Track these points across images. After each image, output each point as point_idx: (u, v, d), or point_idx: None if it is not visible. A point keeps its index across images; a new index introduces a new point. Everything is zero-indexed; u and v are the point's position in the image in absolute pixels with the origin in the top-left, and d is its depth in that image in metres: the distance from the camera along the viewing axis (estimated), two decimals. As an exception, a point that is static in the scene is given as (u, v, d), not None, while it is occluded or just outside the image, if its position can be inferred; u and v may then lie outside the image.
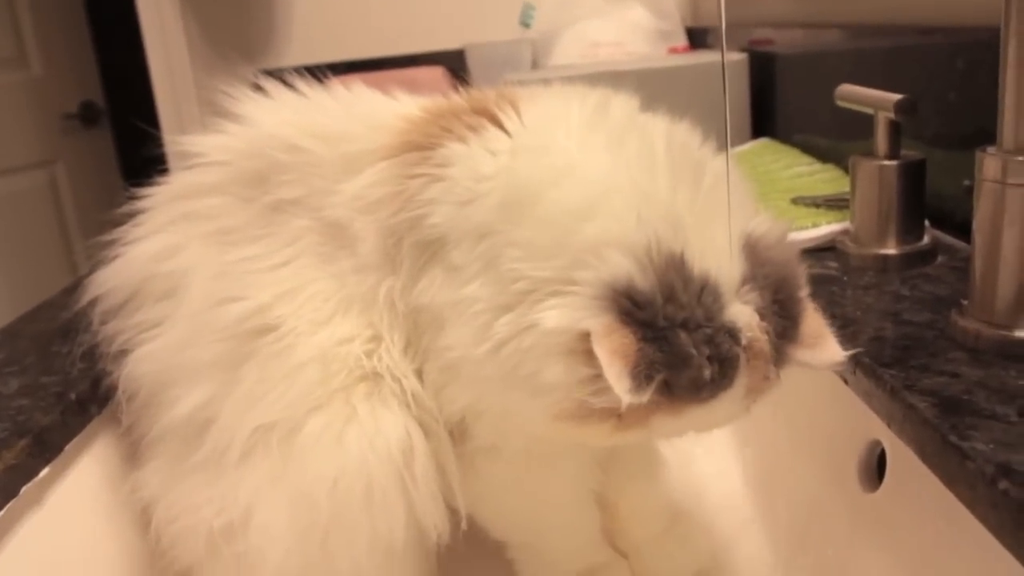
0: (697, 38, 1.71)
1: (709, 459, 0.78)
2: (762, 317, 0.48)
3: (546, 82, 0.61)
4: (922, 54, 0.88)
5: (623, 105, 0.57)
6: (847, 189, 0.82)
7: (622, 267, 0.46)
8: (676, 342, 0.45)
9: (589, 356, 0.45)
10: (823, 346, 0.51)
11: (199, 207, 0.62)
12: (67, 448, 0.61)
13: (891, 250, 0.78)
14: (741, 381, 0.47)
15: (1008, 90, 0.55)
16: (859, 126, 0.81)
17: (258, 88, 0.65)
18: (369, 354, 0.57)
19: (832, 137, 1.11)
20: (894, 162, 0.78)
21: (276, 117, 0.63)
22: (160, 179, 0.66)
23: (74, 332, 0.66)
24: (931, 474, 0.49)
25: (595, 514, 0.65)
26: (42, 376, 0.67)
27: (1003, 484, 0.42)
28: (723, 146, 0.54)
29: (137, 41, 1.91)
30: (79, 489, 0.61)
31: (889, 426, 0.54)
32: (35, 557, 0.56)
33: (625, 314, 0.45)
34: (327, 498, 0.54)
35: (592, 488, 0.65)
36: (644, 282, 0.45)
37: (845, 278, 0.75)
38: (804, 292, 0.51)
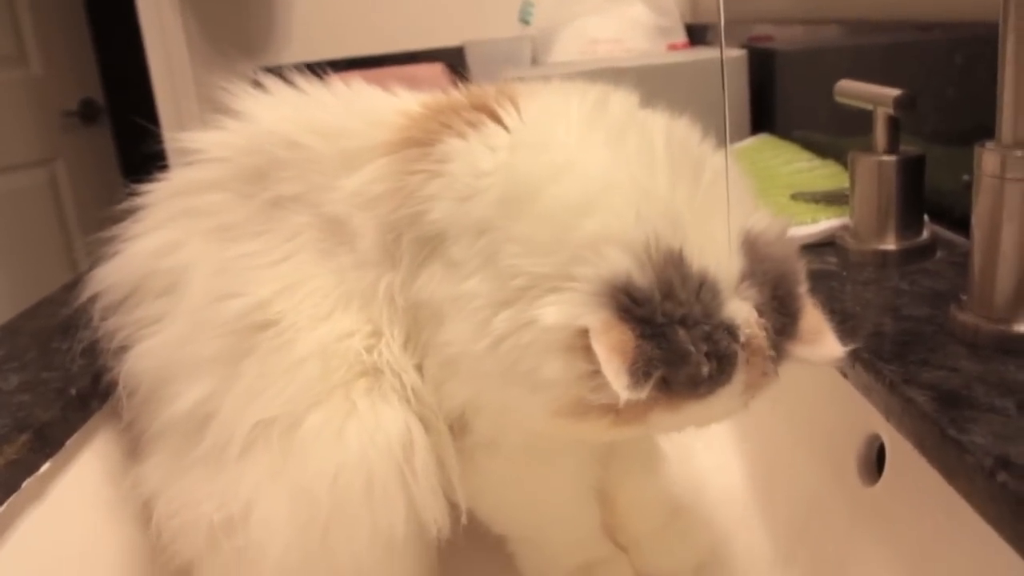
0: (696, 34, 1.71)
1: (709, 454, 0.78)
2: (761, 313, 0.48)
3: (546, 79, 0.61)
4: (921, 50, 0.88)
5: (622, 101, 0.57)
6: (847, 185, 0.82)
7: (621, 264, 0.46)
8: (674, 339, 0.45)
9: (588, 352, 0.45)
10: (822, 342, 0.51)
11: (199, 203, 0.63)
12: (68, 443, 0.61)
13: (890, 245, 0.78)
14: (739, 377, 0.47)
15: (1007, 85, 0.55)
16: (858, 122, 0.81)
17: (257, 85, 0.65)
18: (369, 349, 0.57)
19: (832, 133, 1.11)
20: (893, 158, 0.78)
21: (275, 113, 0.63)
22: (160, 176, 0.66)
23: (74, 328, 0.66)
24: (930, 467, 0.49)
25: (595, 508, 0.65)
26: (43, 372, 0.67)
27: (1002, 477, 0.42)
28: (723, 142, 0.54)
29: (137, 39, 1.91)
30: (80, 484, 0.62)
31: (888, 420, 0.54)
32: (37, 551, 0.56)
33: (623, 311, 0.45)
34: (327, 492, 0.55)
35: (592, 483, 0.65)
36: (643, 279, 0.46)
37: (844, 273, 0.75)
38: (803, 288, 0.51)
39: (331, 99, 0.64)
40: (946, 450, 0.47)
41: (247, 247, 0.60)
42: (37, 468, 0.57)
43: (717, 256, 0.48)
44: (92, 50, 2.68)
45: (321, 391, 0.56)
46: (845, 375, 0.59)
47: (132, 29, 1.91)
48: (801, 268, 0.52)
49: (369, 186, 0.57)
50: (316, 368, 0.56)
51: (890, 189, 0.78)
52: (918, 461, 0.51)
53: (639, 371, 0.44)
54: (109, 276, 0.64)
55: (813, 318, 0.51)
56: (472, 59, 1.79)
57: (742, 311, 0.47)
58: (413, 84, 0.65)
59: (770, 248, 0.50)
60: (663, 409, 0.48)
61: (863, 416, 0.58)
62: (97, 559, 0.61)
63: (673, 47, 1.65)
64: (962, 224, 0.61)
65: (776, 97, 1.34)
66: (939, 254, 0.77)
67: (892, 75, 0.80)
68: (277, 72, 0.65)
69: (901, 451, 0.54)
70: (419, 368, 0.57)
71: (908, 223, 0.78)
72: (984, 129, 0.57)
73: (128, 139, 2.68)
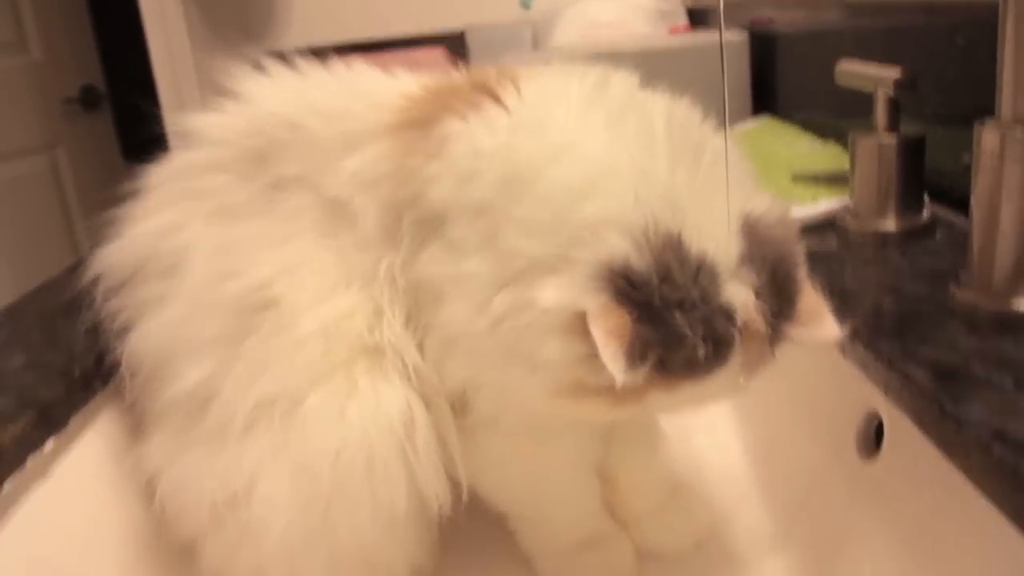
0: (697, 18, 1.71)
1: (708, 432, 0.78)
2: (759, 296, 0.48)
3: (547, 63, 0.62)
4: (922, 32, 0.88)
5: (623, 82, 0.57)
6: (847, 167, 0.82)
7: (619, 247, 0.46)
8: (671, 322, 0.45)
9: (585, 334, 0.45)
10: (820, 323, 0.51)
11: (200, 185, 0.63)
12: (72, 422, 0.61)
13: (890, 226, 0.78)
14: (736, 360, 0.48)
15: (1006, 63, 0.55)
16: (860, 104, 0.81)
17: (258, 67, 0.65)
18: (370, 329, 0.57)
19: (833, 115, 1.11)
20: (893, 139, 0.78)
21: (276, 95, 0.63)
22: (161, 158, 0.66)
23: (78, 310, 0.67)
24: (928, 443, 0.50)
25: (595, 486, 0.66)
26: (46, 353, 0.67)
27: (999, 451, 0.42)
28: (723, 124, 0.54)
29: (137, 24, 1.91)
30: (84, 462, 0.62)
31: (887, 396, 0.55)
32: (41, 528, 0.56)
33: (621, 294, 0.46)
34: (329, 470, 0.55)
35: (592, 460, 0.65)
36: (640, 262, 0.46)
37: (844, 253, 0.75)
38: (802, 270, 0.52)
39: (331, 81, 0.64)
40: (944, 425, 0.47)
41: (248, 228, 0.60)
42: (41, 446, 0.57)
43: (716, 239, 0.48)
44: (92, 36, 2.68)
45: (322, 370, 0.56)
46: (844, 353, 0.60)
47: (132, 14, 1.91)
48: (800, 250, 0.52)
49: (370, 167, 0.57)
50: (317, 347, 0.56)
51: (890, 170, 0.78)
52: (916, 437, 0.51)
53: (636, 354, 0.45)
54: (111, 258, 0.64)
55: (812, 300, 0.51)
56: (473, 43, 1.79)
57: (740, 294, 0.47)
58: (414, 68, 0.66)
59: (769, 231, 0.50)
60: (660, 390, 0.48)
61: (862, 393, 0.59)
62: (101, 536, 0.62)
63: (674, 30, 1.64)
64: (963, 204, 0.61)
65: (777, 79, 1.34)
66: (939, 234, 0.77)
67: (893, 57, 0.80)
68: (279, 56, 0.65)
69: (899, 427, 0.54)
70: (420, 347, 0.58)
71: (908, 204, 0.79)
72: (985, 110, 0.57)
73: (129, 125, 2.68)
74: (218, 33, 1.99)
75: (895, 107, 0.78)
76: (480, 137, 0.54)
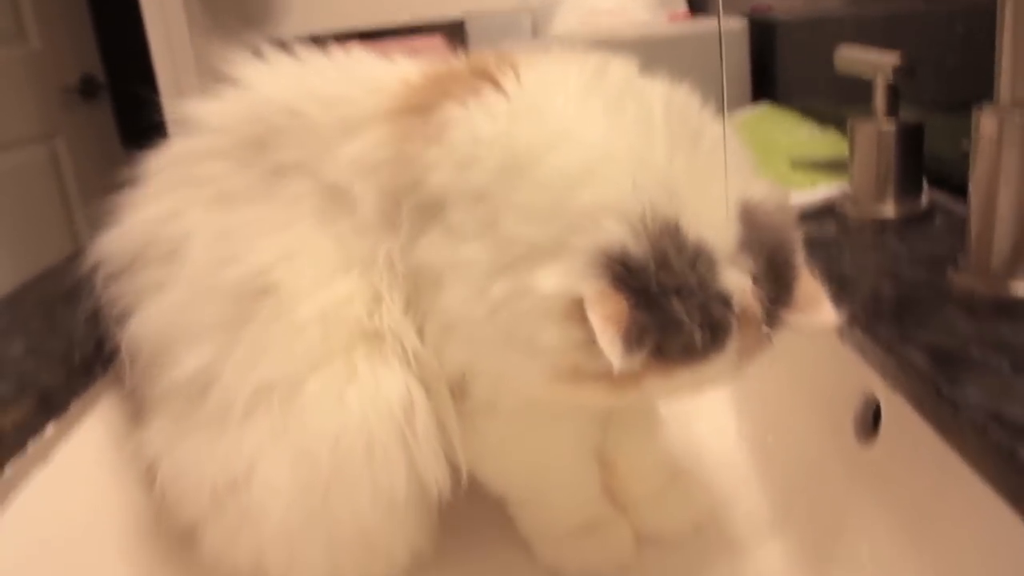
0: (697, 5, 1.71)
1: (707, 417, 0.78)
2: (756, 282, 0.48)
3: (546, 50, 0.62)
4: (922, 19, 0.88)
5: (622, 69, 0.57)
6: (847, 154, 0.82)
7: (616, 233, 0.46)
8: (668, 308, 0.46)
9: (583, 320, 0.46)
10: (818, 309, 0.51)
11: (199, 172, 0.63)
12: (72, 407, 0.62)
13: (889, 212, 0.78)
14: (732, 345, 0.48)
15: (1005, 47, 0.55)
16: (860, 91, 0.81)
17: (257, 54, 0.65)
18: (370, 314, 0.57)
19: (833, 102, 1.11)
20: (892, 126, 0.78)
21: (275, 82, 0.63)
22: (160, 145, 0.66)
23: (78, 297, 0.67)
24: (926, 426, 0.50)
25: (594, 471, 0.66)
26: (47, 339, 0.68)
27: (995, 433, 0.42)
28: (722, 111, 0.54)
29: (136, 13, 1.90)
30: (85, 447, 0.62)
31: (884, 380, 0.55)
32: (42, 512, 0.56)
33: (618, 280, 0.46)
34: (329, 454, 0.55)
35: (591, 445, 0.65)
36: (638, 249, 0.46)
37: (843, 239, 0.75)
38: (800, 256, 0.52)
39: (330, 67, 0.64)
40: (941, 408, 0.48)
41: (247, 214, 0.60)
42: (42, 431, 0.57)
43: (714, 225, 0.48)
44: (91, 25, 2.67)
45: (322, 355, 0.57)
46: (842, 338, 0.60)
47: (131, 3, 1.90)
48: (798, 237, 0.52)
49: (369, 153, 0.57)
50: (317, 333, 0.57)
51: (889, 156, 0.78)
52: (914, 420, 0.51)
53: (633, 340, 0.45)
54: (111, 244, 0.64)
55: (809, 286, 0.52)
56: (472, 32, 1.79)
57: (737, 280, 0.47)
58: (413, 56, 0.66)
59: (768, 217, 0.51)
60: (657, 376, 0.48)
61: (860, 377, 0.59)
62: (102, 520, 0.62)
63: (674, 17, 1.64)
64: (962, 191, 0.61)
65: (777, 67, 1.33)
66: (938, 220, 0.77)
67: (893, 44, 0.80)
68: (278, 44, 0.65)
69: (897, 411, 0.55)
70: (420, 332, 0.58)
71: (907, 190, 0.79)
72: (984, 96, 0.58)
73: (128, 114, 2.68)
74: (217, 21, 1.98)
75: (894, 94, 0.78)
76: (479, 123, 0.54)
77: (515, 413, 0.59)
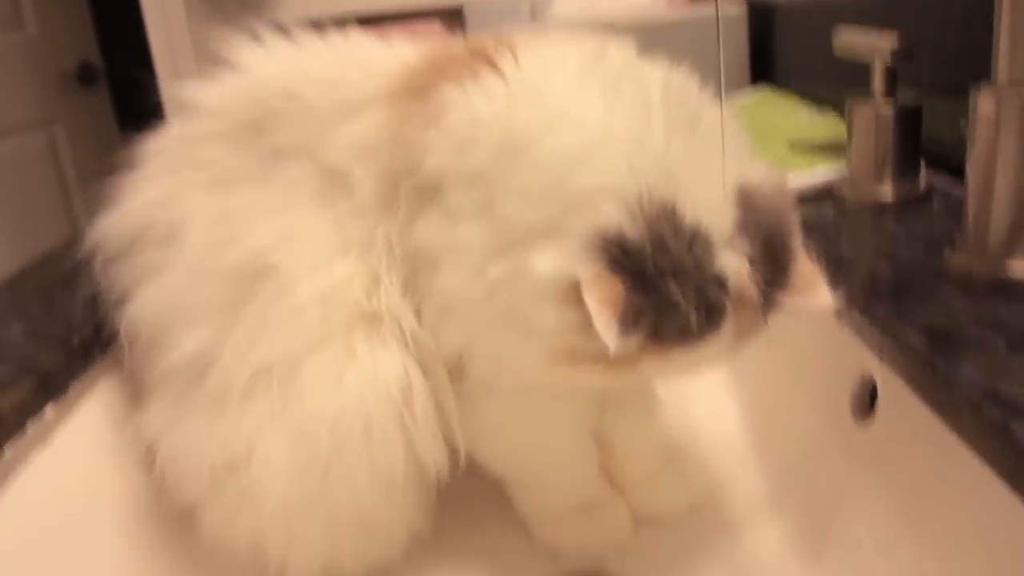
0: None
1: (704, 398, 0.79)
2: (752, 265, 0.48)
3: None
4: (920, 0, 0.87)
5: (620, 52, 0.57)
6: (845, 137, 0.82)
7: (613, 216, 0.46)
8: (664, 290, 0.46)
9: (579, 303, 0.46)
10: (814, 292, 0.51)
11: (197, 155, 0.63)
12: (71, 390, 0.62)
13: (887, 194, 0.78)
14: (728, 327, 0.48)
15: (1003, 27, 0.55)
16: (858, 75, 0.81)
17: (254, 37, 0.65)
18: (368, 296, 0.57)
19: (832, 86, 1.11)
20: (890, 107, 0.78)
21: (273, 65, 0.63)
22: (158, 129, 0.66)
23: (76, 281, 0.67)
24: (922, 405, 0.50)
25: (592, 451, 0.66)
26: (46, 322, 0.68)
27: (990, 410, 0.43)
28: (720, 94, 0.54)
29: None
30: (84, 429, 0.62)
31: (881, 360, 0.55)
32: (42, 494, 0.57)
33: (615, 262, 0.46)
34: (327, 435, 0.55)
35: (588, 426, 0.66)
36: (634, 231, 0.46)
37: (841, 221, 0.76)
38: (797, 239, 0.52)
39: (328, 50, 0.64)
40: (937, 387, 0.48)
41: (246, 197, 0.60)
42: (40, 412, 0.58)
43: (711, 208, 0.48)
44: (88, 11, 2.66)
45: (320, 337, 0.57)
46: (839, 318, 0.60)
47: (128, -11, 1.89)
48: (795, 219, 0.52)
49: (367, 136, 0.57)
50: (315, 314, 0.57)
51: (887, 139, 0.78)
52: (910, 399, 0.51)
53: (629, 322, 0.45)
54: (109, 228, 0.64)
55: (806, 268, 0.52)
56: (471, 17, 1.78)
57: (733, 263, 0.48)
58: (411, 40, 0.65)
59: (765, 200, 0.51)
60: (653, 357, 0.49)
61: (856, 357, 0.59)
62: (101, 502, 0.62)
63: (673, 2, 1.63)
64: (960, 173, 0.61)
65: (776, 51, 1.33)
66: (936, 202, 0.77)
67: (892, 26, 0.80)
68: (276, 28, 0.65)
69: (893, 390, 0.55)
70: (418, 314, 0.58)
71: (905, 172, 0.79)
72: (982, 78, 0.57)
73: (126, 99, 2.67)
74: (215, 6, 1.98)
75: (892, 76, 0.78)
76: (477, 105, 0.54)
77: (513, 394, 0.59)
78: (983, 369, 0.46)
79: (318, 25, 0.66)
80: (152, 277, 0.61)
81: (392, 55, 0.62)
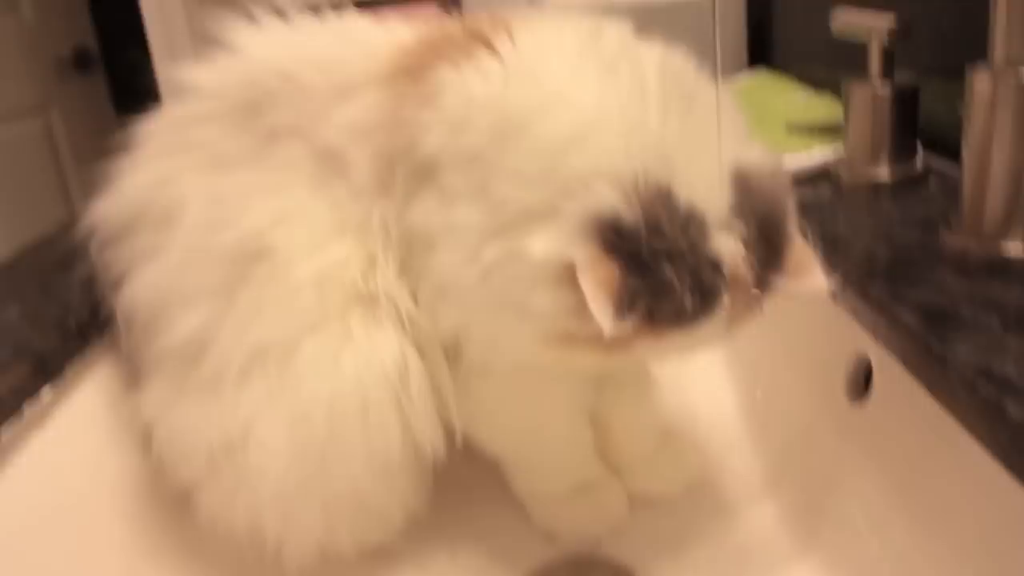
0: (694, -28, 1.69)
1: (700, 378, 0.79)
2: (747, 247, 0.48)
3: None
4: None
5: (617, 32, 0.57)
6: (842, 118, 0.82)
7: (608, 198, 0.46)
8: (659, 273, 0.46)
9: (574, 285, 0.46)
10: (808, 275, 0.51)
11: (193, 137, 0.63)
12: (68, 372, 0.62)
13: (884, 175, 0.78)
14: (722, 310, 0.48)
15: (999, 7, 0.55)
16: (855, 56, 0.81)
17: (250, 18, 0.65)
18: (364, 277, 0.57)
19: (829, 67, 1.11)
20: (887, 88, 0.78)
21: (268, 46, 0.63)
22: (154, 111, 0.66)
23: (73, 263, 0.67)
24: (916, 384, 0.50)
25: (588, 432, 0.66)
26: (42, 305, 0.68)
27: (983, 388, 0.43)
28: (716, 76, 0.54)
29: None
30: (81, 411, 0.63)
31: (876, 340, 0.55)
32: (39, 475, 0.57)
33: (609, 245, 0.46)
34: (324, 417, 0.56)
35: (584, 407, 0.66)
36: (629, 213, 0.46)
37: (838, 203, 0.76)
38: (792, 222, 0.52)
39: (324, 31, 0.64)
40: (931, 365, 0.48)
41: (242, 178, 0.60)
42: (37, 394, 0.58)
43: (706, 190, 0.48)
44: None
45: (317, 318, 0.57)
46: (835, 298, 0.60)
47: (123, -28, 1.89)
48: (791, 202, 0.52)
49: (363, 116, 0.57)
50: (312, 296, 0.57)
51: (884, 119, 0.78)
52: (905, 379, 0.52)
53: (624, 305, 0.45)
54: (105, 210, 0.64)
55: (801, 252, 0.52)
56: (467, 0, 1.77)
57: (728, 246, 0.48)
58: (408, 21, 0.65)
59: (760, 183, 0.51)
60: (648, 339, 0.49)
61: (852, 338, 0.59)
62: (99, 484, 0.62)
63: (670, -15, 1.63)
64: (957, 154, 0.61)
65: (773, 32, 1.33)
66: (932, 183, 0.77)
67: (890, 5, 0.80)
68: (273, 10, 0.65)
69: (888, 370, 0.55)
70: (414, 295, 0.58)
71: (902, 153, 0.79)
72: (980, 59, 0.57)
73: (122, 83, 2.66)
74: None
75: (889, 57, 0.78)
76: (473, 86, 0.53)
77: (508, 375, 0.59)
78: (977, 348, 0.46)
79: (315, 7, 0.66)
80: (148, 259, 0.61)
81: (388, 36, 0.62)
